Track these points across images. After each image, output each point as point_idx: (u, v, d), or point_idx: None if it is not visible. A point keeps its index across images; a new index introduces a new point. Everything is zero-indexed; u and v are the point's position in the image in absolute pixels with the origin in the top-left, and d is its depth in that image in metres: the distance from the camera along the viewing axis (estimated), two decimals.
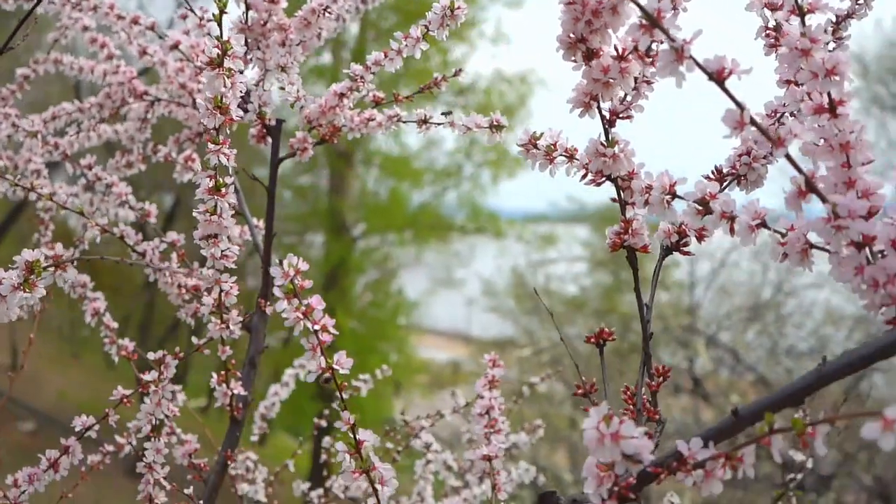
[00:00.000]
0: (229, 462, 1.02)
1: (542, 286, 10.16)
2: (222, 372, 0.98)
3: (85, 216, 0.99)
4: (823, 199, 0.53)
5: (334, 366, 0.65)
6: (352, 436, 0.67)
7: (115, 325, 1.12)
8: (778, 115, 0.71)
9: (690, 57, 0.51)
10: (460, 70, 1.02)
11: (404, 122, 0.98)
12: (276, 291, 0.63)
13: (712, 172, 0.71)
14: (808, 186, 0.53)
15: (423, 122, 0.96)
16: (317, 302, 0.64)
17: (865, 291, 0.52)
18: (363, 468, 0.66)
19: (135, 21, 1.11)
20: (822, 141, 0.57)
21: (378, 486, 0.67)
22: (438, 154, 12.00)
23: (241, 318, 0.93)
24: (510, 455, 1.47)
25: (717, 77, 0.52)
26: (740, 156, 0.70)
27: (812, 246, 0.56)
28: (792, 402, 0.51)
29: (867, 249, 0.53)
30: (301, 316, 0.63)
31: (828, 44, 0.75)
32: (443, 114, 0.96)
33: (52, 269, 0.69)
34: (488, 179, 11.68)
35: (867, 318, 7.28)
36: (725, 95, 0.52)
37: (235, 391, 0.99)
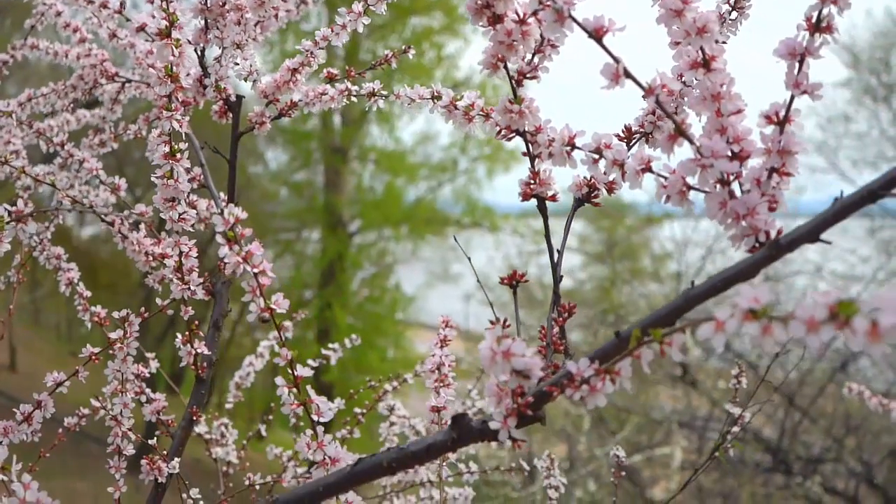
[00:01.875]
0: (195, 418, 1.08)
1: (536, 277, 10.22)
2: (186, 332, 1.05)
3: (56, 188, 1.05)
4: (691, 142, 0.59)
5: (272, 305, 0.71)
6: (290, 372, 0.73)
7: (88, 293, 1.18)
8: (682, 77, 0.78)
9: (570, 17, 0.58)
10: (410, 47, 1.08)
11: (355, 95, 1.04)
12: (218, 238, 0.70)
13: (622, 130, 0.77)
14: (678, 131, 0.60)
15: (372, 94, 1.02)
16: (256, 248, 0.71)
17: (729, 224, 0.59)
18: (300, 401, 0.73)
19: (104, 5, 1.17)
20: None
21: (314, 417, 0.73)
22: (434, 149, 12.08)
23: (201, 280, 1.00)
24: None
25: (596, 35, 0.58)
26: (647, 115, 0.76)
27: (690, 187, 0.62)
28: (664, 322, 0.58)
29: (731, 187, 0.59)
30: (241, 260, 0.70)
31: (731, 13, 0.81)
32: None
33: (13, 223, 0.75)
34: (483, 174, 11.76)
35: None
36: (603, 51, 0.58)
37: (200, 351, 1.05)
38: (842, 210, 0.53)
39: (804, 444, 6.47)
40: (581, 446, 6.07)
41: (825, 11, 0.59)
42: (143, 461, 1.04)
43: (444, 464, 1.25)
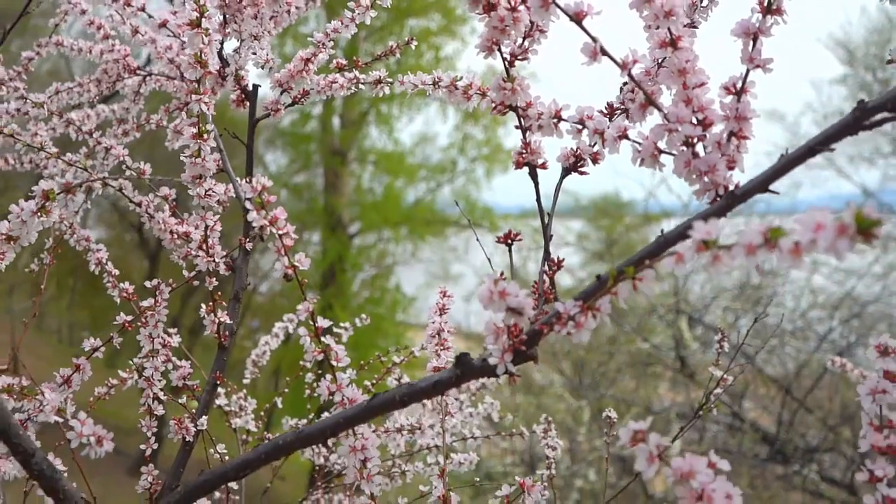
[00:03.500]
0: (219, 382, 1.17)
1: (536, 274, 10.24)
2: (210, 303, 1.14)
3: (88, 171, 1.14)
4: (660, 110, 0.68)
5: (296, 263, 0.80)
6: (311, 323, 0.82)
7: (116, 272, 1.27)
8: (657, 60, 0.87)
9: (554, 3, 0.67)
10: (412, 39, 1.18)
11: (363, 83, 1.13)
12: (247, 204, 0.79)
13: (605, 107, 0.86)
14: (648, 100, 0.69)
15: (378, 82, 1.11)
16: (281, 212, 0.80)
17: (694, 180, 0.68)
18: (321, 348, 0.82)
19: (127, 3, 1.26)
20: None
21: (333, 363, 0.82)
22: (432, 150, 12.19)
23: (224, 253, 1.09)
24: (480, 395, 1.63)
25: (577, 18, 0.68)
26: (626, 93, 0.85)
27: (660, 150, 0.71)
28: (638, 265, 0.67)
29: (696, 148, 0.68)
30: (268, 223, 0.79)
31: (702, 0, 0.90)
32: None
33: (63, 194, 0.84)
34: (482, 174, 11.87)
35: (850, 297, 7.46)
36: (583, 32, 0.68)
37: (222, 320, 1.15)
38: (787, 163, 0.63)
39: (801, 434, 6.56)
40: (581, 437, 6.17)
41: None
42: (172, 421, 1.13)
43: (449, 431, 1.34)
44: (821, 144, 0.61)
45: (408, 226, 11.84)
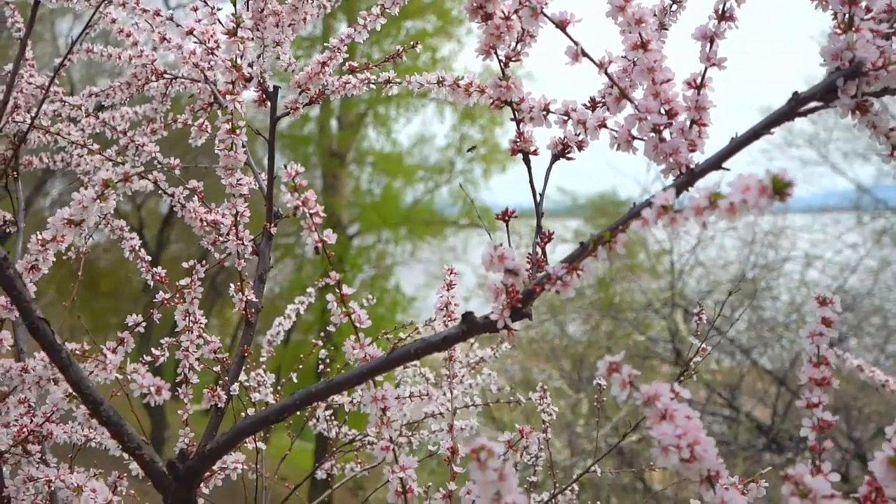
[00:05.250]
0: (246, 355, 1.30)
1: None
2: (238, 283, 1.27)
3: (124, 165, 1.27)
4: (632, 102, 0.81)
5: (324, 238, 0.93)
6: (339, 291, 0.95)
7: (149, 258, 1.40)
8: (632, 61, 0.99)
9: (542, 13, 0.80)
10: (416, 43, 1.30)
11: (373, 84, 1.26)
12: (283, 186, 0.91)
13: (588, 101, 0.99)
14: (622, 94, 0.82)
15: (388, 82, 1.24)
16: (311, 194, 0.92)
17: (661, 160, 0.81)
18: (346, 313, 0.95)
19: (157, 13, 1.38)
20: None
21: (357, 325, 0.95)
22: (430, 151, 12.32)
23: (252, 237, 1.21)
24: (479, 368, 1.75)
25: (561, 25, 0.80)
26: (606, 88, 0.98)
27: (633, 136, 0.84)
28: (616, 228, 0.79)
29: (662, 134, 0.81)
30: (300, 204, 0.92)
31: (671, 5, 1.03)
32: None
33: (121, 182, 0.96)
34: (480, 174, 12.01)
35: (843, 290, 7.60)
36: (566, 37, 0.80)
37: (249, 298, 1.27)
38: (736, 145, 0.75)
39: (796, 425, 6.70)
40: (580, 429, 6.30)
41: (728, 5, 0.81)
42: (206, 390, 1.26)
43: (453, 400, 1.46)
44: (763, 129, 0.74)
45: (406, 226, 11.97)
